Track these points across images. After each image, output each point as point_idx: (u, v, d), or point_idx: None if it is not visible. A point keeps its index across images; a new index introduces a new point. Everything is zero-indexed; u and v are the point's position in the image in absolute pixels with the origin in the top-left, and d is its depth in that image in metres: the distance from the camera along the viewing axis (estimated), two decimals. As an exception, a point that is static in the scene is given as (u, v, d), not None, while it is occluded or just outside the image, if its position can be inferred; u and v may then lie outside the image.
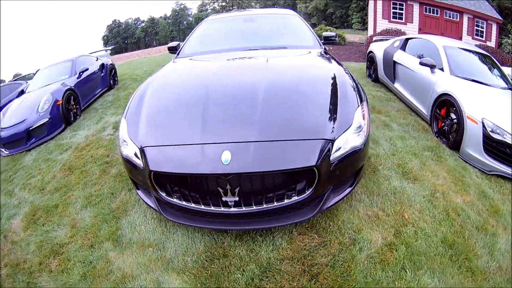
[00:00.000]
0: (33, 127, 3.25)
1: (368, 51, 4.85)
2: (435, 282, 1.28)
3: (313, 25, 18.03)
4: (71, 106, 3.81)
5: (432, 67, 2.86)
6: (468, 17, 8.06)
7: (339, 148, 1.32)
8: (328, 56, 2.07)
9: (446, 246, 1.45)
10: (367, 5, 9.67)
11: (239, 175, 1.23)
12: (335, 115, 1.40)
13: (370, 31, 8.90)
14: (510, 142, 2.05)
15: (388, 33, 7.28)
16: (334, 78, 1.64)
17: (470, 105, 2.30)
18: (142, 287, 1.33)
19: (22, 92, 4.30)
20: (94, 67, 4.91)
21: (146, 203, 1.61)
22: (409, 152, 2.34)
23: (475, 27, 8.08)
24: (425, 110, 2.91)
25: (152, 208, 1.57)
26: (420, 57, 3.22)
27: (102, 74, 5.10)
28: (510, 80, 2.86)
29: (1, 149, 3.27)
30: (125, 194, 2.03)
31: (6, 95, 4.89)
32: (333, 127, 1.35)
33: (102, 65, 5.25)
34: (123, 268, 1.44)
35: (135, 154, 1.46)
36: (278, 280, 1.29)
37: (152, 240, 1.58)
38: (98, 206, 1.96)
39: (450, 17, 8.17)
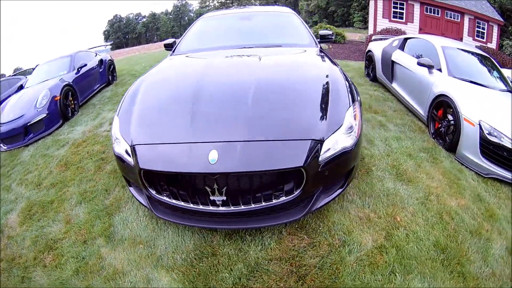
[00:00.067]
0: (31, 123, 3.25)
1: (366, 50, 4.81)
2: (425, 286, 1.27)
3: (315, 23, 17.88)
4: (69, 102, 3.81)
5: (429, 67, 2.83)
6: (469, 18, 7.97)
7: (329, 149, 1.31)
8: (323, 55, 2.05)
9: (438, 250, 1.44)
10: (368, 4, 9.58)
11: (226, 175, 1.23)
12: (325, 115, 1.39)
13: (371, 30, 8.83)
14: (507, 145, 2.03)
15: (388, 32, 7.23)
16: (326, 78, 1.63)
17: (467, 106, 2.28)
18: (132, 283, 1.34)
19: (21, 87, 4.31)
20: (92, 62, 4.90)
21: (137, 200, 1.62)
22: (404, 153, 2.33)
23: (476, 28, 7.99)
24: (422, 111, 2.89)
25: (143, 205, 1.58)
26: (418, 57, 3.19)
27: (100, 70, 5.10)
28: (510, 83, 2.83)
29: (0, 144, 3.29)
30: (119, 190, 2.05)
31: (5, 90, 4.90)
32: (323, 128, 1.34)
33: (101, 61, 5.24)
34: (114, 264, 1.46)
35: (126, 152, 1.46)
36: (265, 280, 1.29)
37: (143, 237, 1.59)
38: (92, 203, 1.97)
39: (451, 17, 8.09)
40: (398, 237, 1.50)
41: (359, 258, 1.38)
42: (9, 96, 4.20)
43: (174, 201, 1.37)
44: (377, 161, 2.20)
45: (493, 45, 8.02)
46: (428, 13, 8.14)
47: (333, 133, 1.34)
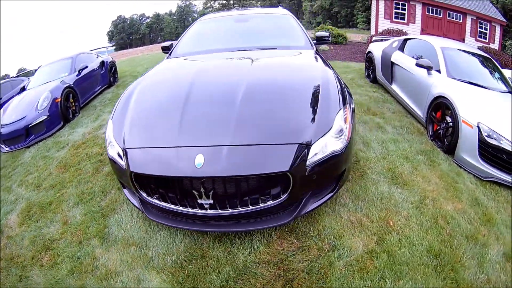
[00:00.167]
0: (32, 124, 3.32)
1: (367, 51, 4.78)
2: (416, 293, 1.23)
3: (318, 24, 17.79)
4: (69, 104, 3.87)
5: (428, 68, 2.80)
6: (472, 19, 7.86)
7: (317, 153, 1.31)
8: (317, 57, 2.05)
9: (432, 255, 1.41)
10: (371, 5, 9.51)
11: (211, 179, 1.24)
12: (313, 119, 1.38)
13: (372, 31, 8.78)
14: (506, 148, 1.99)
15: (389, 33, 7.17)
16: (317, 81, 1.62)
17: (466, 108, 2.24)
18: (124, 284, 1.37)
19: (23, 89, 4.39)
20: (94, 64, 4.96)
21: (131, 202, 1.65)
22: (401, 156, 2.30)
23: (479, 29, 7.87)
24: (421, 113, 2.86)
25: (136, 207, 1.60)
26: (418, 58, 3.16)
27: (102, 72, 5.16)
28: (511, 83, 2.77)
29: (1, 146, 3.36)
30: (115, 192, 2.07)
31: (8, 91, 5.00)
32: (311, 131, 1.33)
33: (102, 63, 5.30)
34: (107, 264, 1.48)
35: (119, 155, 1.48)
36: (252, 283, 1.30)
37: (136, 238, 1.61)
38: (88, 204, 2.00)
39: (453, 18, 7.98)
40: (390, 242, 1.48)
41: (348, 263, 1.36)
42: (12, 97, 4.28)
43: (164, 203, 1.39)
44: (372, 164, 2.18)
45: (495, 45, 7.89)
46: (430, 14, 8.05)
47: (321, 137, 1.33)
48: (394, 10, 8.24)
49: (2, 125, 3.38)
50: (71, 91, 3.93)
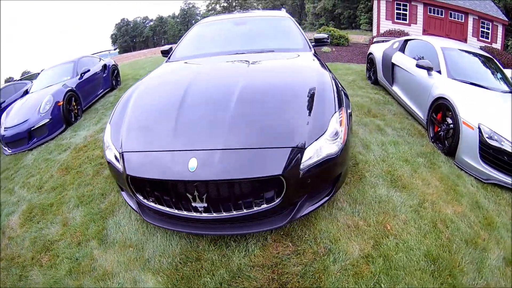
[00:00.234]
0: (35, 127, 3.37)
1: (368, 53, 4.75)
2: (411, 299, 1.21)
3: (321, 25, 17.77)
4: (72, 107, 3.92)
5: (428, 69, 2.77)
6: (474, 18, 7.77)
7: (311, 157, 1.30)
8: (315, 59, 2.04)
9: (429, 260, 1.38)
10: (372, 6, 9.47)
11: (205, 183, 1.25)
12: (308, 122, 1.38)
13: (374, 32, 8.73)
14: (508, 150, 1.96)
15: (391, 34, 7.13)
16: (313, 83, 1.62)
17: (467, 109, 2.21)
18: (120, 284, 1.38)
19: (26, 92, 4.47)
20: (96, 68, 5.03)
21: (128, 204, 1.66)
22: (401, 158, 2.28)
23: (481, 29, 7.78)
24: (421, 114, 2.83)
25: (134, 209, 1.61)
26: (418, 59, 3.13)
27: (104, 75, 5.23)
28: (513, 84, 2.73)
29: (5, 148, 3.42)
30: (114, 195, 2.10)
31: (11, 95, 5.08)
32: (305, 134, 1.33)
33: (105, 66, 5.37)
34: (104, 265, 1.50)
35: (116, 158, 1.50)
36: (246, 286, 1.29)
37: (133, 240, 1.63)
38: (88, 206, 2.03)
39: (455, 18, 7.90)
40: (387, 246, 1.46)
41: (343, 267, 1.35)
42: (15, 100, 4.36)
43: (159, 206, 1.40)
44: (371, 166, 2.16)
45: (498, 45, 7.78)
46: (432, 14, 7.98)
47: (316, 140, 1.33)
48: (396, 11, 8.20)
49: (5, 128, 3.45)
50: (73, 95, 3.99)
